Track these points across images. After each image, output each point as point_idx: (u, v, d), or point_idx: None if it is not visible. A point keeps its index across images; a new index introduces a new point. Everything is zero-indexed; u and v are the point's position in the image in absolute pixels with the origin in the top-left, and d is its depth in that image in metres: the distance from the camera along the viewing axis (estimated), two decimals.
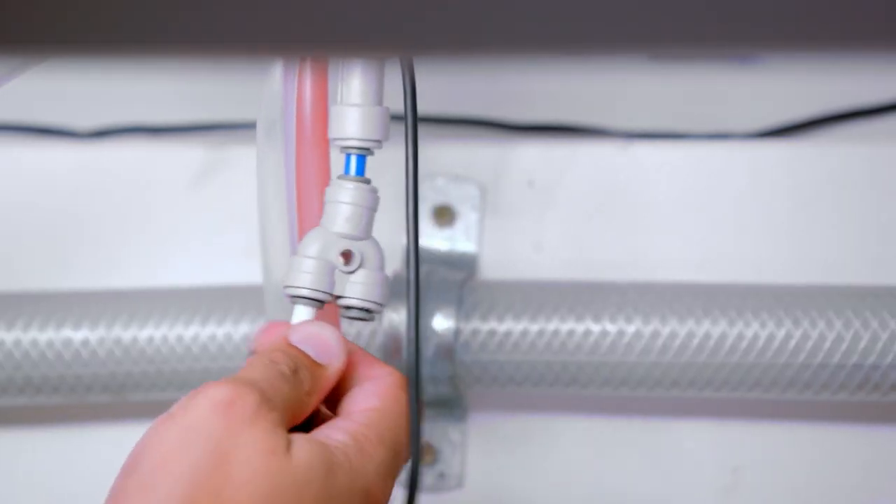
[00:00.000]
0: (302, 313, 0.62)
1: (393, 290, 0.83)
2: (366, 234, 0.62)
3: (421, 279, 0.84)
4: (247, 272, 0.86)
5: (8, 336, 0.84)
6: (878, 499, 0.89)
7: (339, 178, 0.63)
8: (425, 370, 0.83)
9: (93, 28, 0.35)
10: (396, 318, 0.83)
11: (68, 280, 0.91)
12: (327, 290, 0.61)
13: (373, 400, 0.58)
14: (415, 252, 0.62)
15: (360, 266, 0.62)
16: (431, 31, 0.34)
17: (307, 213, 0.64)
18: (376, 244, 0.63)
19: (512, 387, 0.85)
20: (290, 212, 0.64)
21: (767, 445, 0.90)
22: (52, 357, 0.84)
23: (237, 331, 0.84)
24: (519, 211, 0.91)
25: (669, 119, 0.96)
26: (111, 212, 0.92)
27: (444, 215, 0.90)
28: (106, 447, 0.91)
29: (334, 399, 0.60)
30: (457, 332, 0.83)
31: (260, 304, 0.71)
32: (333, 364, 0.59)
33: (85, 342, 0.84)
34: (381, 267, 0.63)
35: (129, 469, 0.54)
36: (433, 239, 0.90)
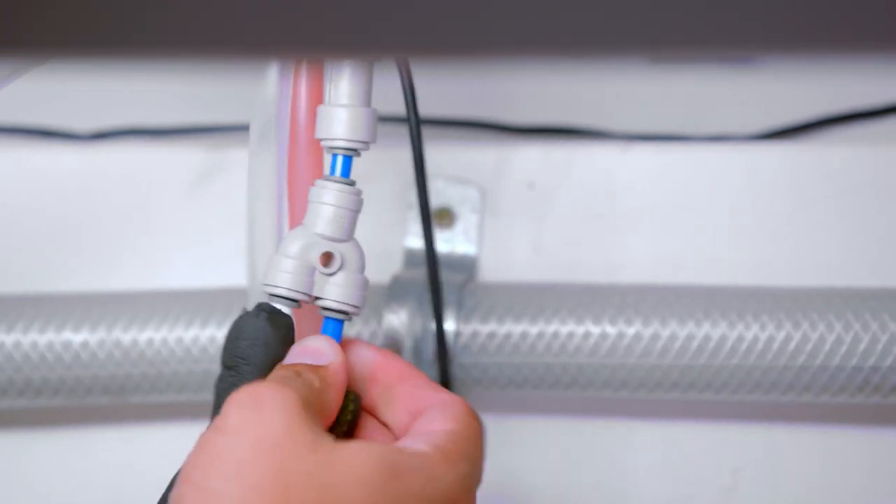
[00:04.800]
0: None
1: (394, 292, 0.83)
2: (348, 236, 0.62)
3: (421, 281, 0.84)
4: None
5: (8, 338, 0.84)
6: (879, 501, 0.89)
7: (324, 178, 0.62)
8: (425, 373, 0.83)
9: (92, 31, 0.35)
10: (396, 320, 0.83)
11: (68, 282, 0.91)
12: (305, 291, 0.62)
13: (451, 423, 0.60)
14: (430, 245, 0.62)
15: (340, 268, 0.62)
16: (432, 33, 0.34)
17: (300, 217, 0.64)
18: (357, 246, 0.63)
19: (512, 389, 0.84)
20: (279, 215, 0.64)
21: (767, 447, 0.90)
22: (51, 359, 0.84)
23: None
24: (519, 213, 0.91)
25: (669, 121, 0.96)
26: (111, 214, 0.92)
27: (444, 217, 0.90)
28: (106, 449, 0.91)
29: (399, 420, 0.62)
30: (456, 335, 0.83)
31: None
32: (333, 362, 0.60)
33: (85, 344, 0.84)
34: (362, 269, 0.63)
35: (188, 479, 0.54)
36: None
